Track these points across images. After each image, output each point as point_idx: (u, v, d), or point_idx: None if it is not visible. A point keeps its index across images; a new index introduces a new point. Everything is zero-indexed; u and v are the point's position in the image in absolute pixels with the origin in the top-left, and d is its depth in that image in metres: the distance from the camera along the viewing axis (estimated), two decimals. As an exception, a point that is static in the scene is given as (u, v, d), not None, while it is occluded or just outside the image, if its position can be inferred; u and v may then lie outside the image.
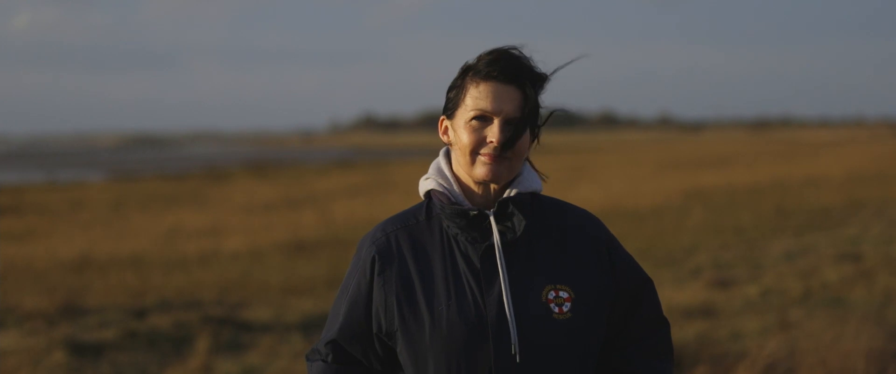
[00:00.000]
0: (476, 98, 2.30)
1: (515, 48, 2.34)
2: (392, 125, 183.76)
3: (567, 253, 2.36)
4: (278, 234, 16.73)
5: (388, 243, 2.37)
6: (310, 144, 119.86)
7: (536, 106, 2.32)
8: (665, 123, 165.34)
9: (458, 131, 2.33)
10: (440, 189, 2.37)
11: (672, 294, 9.93)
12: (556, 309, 2.30)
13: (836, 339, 6.48)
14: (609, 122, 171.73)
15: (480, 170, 2.31)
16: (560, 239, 2.37)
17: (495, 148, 2.28)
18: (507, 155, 2.30)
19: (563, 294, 2.32)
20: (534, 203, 2.39)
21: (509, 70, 2.30)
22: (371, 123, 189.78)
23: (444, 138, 2.40)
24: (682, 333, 8.14)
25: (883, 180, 25.33)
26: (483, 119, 2.30)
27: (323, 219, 19.34)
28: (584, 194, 23.21)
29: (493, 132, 2.29)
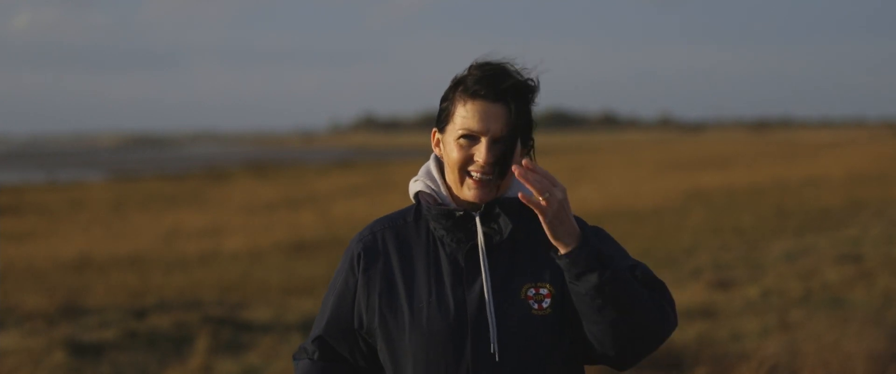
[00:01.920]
0: (464, 117, 2.32)
1: (504, 63, 2.34)
2: (392, 125, 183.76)
3: (546, 252, 2.35)
4: (278, 234, 16.74)
5: (375, 241, 2.42)
6: (310, 144, 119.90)
7: (525, 122, 2.34)
8: (665, 124, 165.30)
9: (448, 147, 2.36)
10: (428, 190, 2.40)
11: (672, 295, 9.92)
12: (536, 306, 2.32)
13: (837, 340, 6.48)
14: (609, 122, 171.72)
15: (468, 193, 2.34)
16: (544, 240, 2.35)
17: (482, 167, 2.31)
18: (495, 173, 2.32)
19: (544, 291, 2.33)
20: (520, 207, 2.38)
21: (496, 89, 2.31)
22: (371, 124, 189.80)
23: (436, 150, 2.43)
24: (683, 334, 8.13)
25: (883, 181, 25.33)
26: (471, 138, 2.32)
27: (323, 219, 19.35)
28: (584, 194, 23.22)
29: (480, 152, 2.31)
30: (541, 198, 2.22)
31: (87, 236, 17.55)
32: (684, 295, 9.91)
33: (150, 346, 8.38)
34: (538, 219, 2.35)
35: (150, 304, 10.10)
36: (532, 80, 2.35)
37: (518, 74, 2.33)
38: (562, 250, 2.26)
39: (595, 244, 2.26)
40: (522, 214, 2.38)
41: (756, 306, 9.36)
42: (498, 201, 2.35)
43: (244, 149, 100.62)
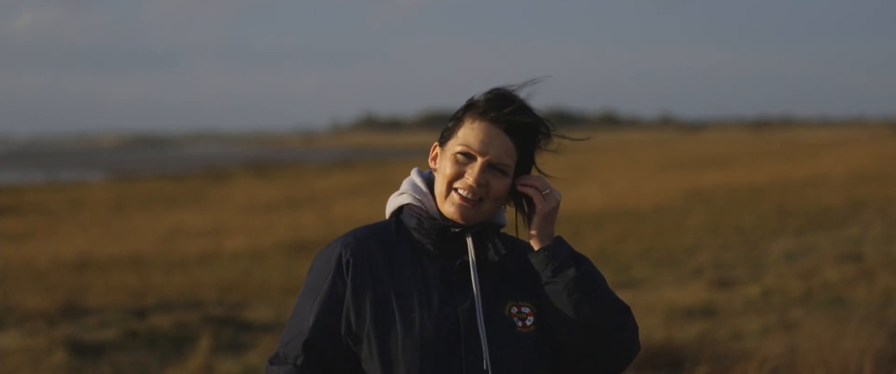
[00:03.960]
0: (467, 134, 2.34)
1: (522, 99, 2.36)
2: (392, 125, 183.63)
3: (529, 275, 2.39)
4: (279, 234, 16.73)
5: (361, 248, 2.38)
6: (310, 144, 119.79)
7: (526, 160, 2.37)
8: (666, 123, 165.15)
9: (444, 160, 2.37)
10: (417, 203, 2.40)
11: (673, 294, 9.92)
12: (520, 323, 2.36)
13: (837, 339, 6.47)
14: (610, 122, 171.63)
15: (450, 209, 2.36)
16: (522, 263, 2.41)
17: (470, 187, 2.32)
18: (481, 198, 2.34)
19: (526, 309, 2.37)
20: (503, 234, 2.44)
21: (506, 116, 2.33)
22: (371, 123, 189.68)
23: (432, 164, 2.43)
24: (683, 333, 8.13)
25: (884, 180, 25.31)
26: (468, 156, 2.33)
27: (323, 219, 19.34)
28: (585, 194, 23.20)
29: (472, 172, 2.33)
30: (541, 192, 2.33)
31: (87, 236, 17.55)
32: (685, 294, 9.90)
33: (151, 346, 8.37)
34: (521, 246, 2.42)
35: (150, 304, 10.10)
36: (545, 126, 2.38)
37: (533, 113, 2.36)
38: (540, 246, 2.34)
39: (569, 246, 2.37)
40: (508, 241, 2.43)
41: (757, 306, 9.36)
42: (492, 225, 2.39)
43: (244, 149, 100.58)
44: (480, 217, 2.36)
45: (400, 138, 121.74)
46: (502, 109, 2.32)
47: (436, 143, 2.43)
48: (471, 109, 2.36)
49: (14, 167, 55.41)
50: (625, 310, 2.39)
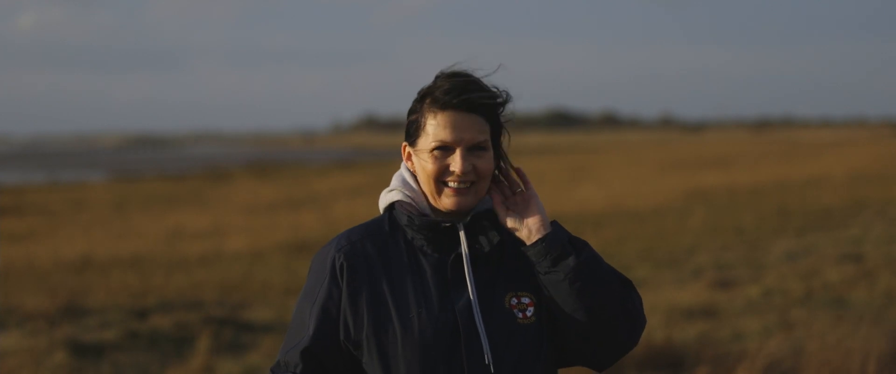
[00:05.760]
0: (436, 129, 2.33)
1: (471, 73, 2.36)
2: (394, 126, 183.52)
3: (526, 263, 2.38)
4: (280, 234, 16.73)
5: (354, 251, 2.37)
6: (311, 144, 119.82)
7: (496, 130, 2.37)
8: (667, 124, 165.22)
9: (422, 160, 2.36)
10: (407, 200, 2.40)
11: (673, 295, 9.92)
12: (520, 315, 2.34)
13: (838, 340, 6.47)
14: (611, 122, 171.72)
15: (447, 201, 2.35)
16: (516, 251, 2.39)
17: (459, 176, 2.32)
18: (473, 181, 2.34)
19: (526, 300, 2.35)
20: (498, 222, 2.42)
21: (467, 99, 2.32)
22: (372, 124, 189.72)
23: (408, 165, 2.43)
24: (684, 333, 8.13)
25: (885, 181, 25.30)
26: (444, 149, 2.33)
27: (324, 219, 19.35)
28: (585, 195, 23.21)
29: (455, 162, 2.32)
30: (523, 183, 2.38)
31: (88, 236, 17.55)
32: (686, 295, 9.90)
33: (152, 346, 8.38)
34: (509, 231, 2.40)
35: (151, 304, 10.10)
36: (500, 90, 2.38)
37: (485, 84, 2.36)
38: (536, 237, 2.32)
39: (566, 231, 2.35)
40: (502, 227, 2.41)
41: (757, 306, 9.35)
42: (484, 214, 2.37)
43: (245, 149, 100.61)
44: (477, 200, 2.36)
45: (401, 138, 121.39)
46: (461, 94, 2.32)
47: (405, 143, 2.42)
48: (429, 100, 2.35)
49: (15, 167, 55.42)
50: (628, 286, 2.37)
